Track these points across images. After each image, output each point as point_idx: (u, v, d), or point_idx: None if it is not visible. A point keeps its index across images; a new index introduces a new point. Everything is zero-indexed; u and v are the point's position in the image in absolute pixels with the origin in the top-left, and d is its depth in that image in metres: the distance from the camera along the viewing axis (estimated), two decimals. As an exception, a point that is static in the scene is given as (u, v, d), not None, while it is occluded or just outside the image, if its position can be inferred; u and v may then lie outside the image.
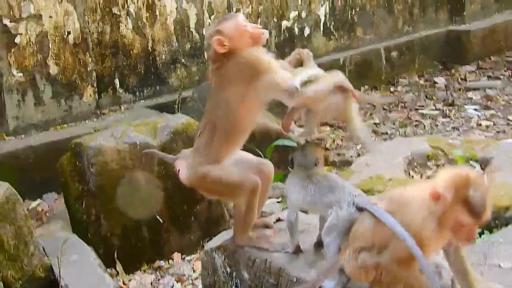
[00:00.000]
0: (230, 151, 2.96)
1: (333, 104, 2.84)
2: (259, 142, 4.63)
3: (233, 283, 3.05)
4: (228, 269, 3.06)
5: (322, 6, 7.26)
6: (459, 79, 7.90)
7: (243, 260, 3.01)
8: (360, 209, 2.75)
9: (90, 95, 5.48)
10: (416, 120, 6.62)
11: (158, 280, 3.99)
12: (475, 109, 6.77)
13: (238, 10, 6.50)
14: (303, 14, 7.09)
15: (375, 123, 6.50)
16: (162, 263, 4.10)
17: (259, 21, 6.65)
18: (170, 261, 4.11)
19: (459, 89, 7.50)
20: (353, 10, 7.60)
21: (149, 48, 6.03)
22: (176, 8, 6.13)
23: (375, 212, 2.72)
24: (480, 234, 3.81)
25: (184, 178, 3.00)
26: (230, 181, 2.95)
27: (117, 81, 5.85)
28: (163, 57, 6.13)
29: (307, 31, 7.17)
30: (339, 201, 2.76)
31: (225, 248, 3.11)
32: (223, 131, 2.89)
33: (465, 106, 6.87)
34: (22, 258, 3.22)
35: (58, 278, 3.39)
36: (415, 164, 4.85)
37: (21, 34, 5.08)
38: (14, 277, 3.33)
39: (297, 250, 2.97)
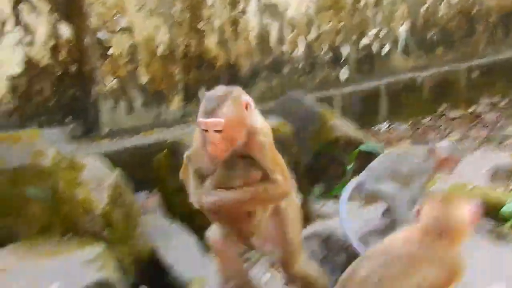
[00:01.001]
0: None
1: None
2: (342, 148, 4.71)
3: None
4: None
5: (402, 24, 7.30)
6: (543, 102, 7.77)
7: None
8: None
9: (177, 103, 5.68)
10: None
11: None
12: (559, 131, 6.65)
13: (318, 26, 6.63)
14: (383, 32, 7.15)
15: (455, 140, 6.46)
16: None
17: (337, 38, 6.75)
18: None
19: (543, 111, 7.38)
20: (434, 30, 7.60)
21: (232, 61, 6.22)
22: (258, 24, 6.31)
23: None
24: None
25: None
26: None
27: (201, 92, 6.05)
28: (245, 70, 6.30)
29: (386, 48, 7.21)
30: None
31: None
32: None
33: (549, 129, 6.75)
34: (130, 238, 3.36)
35: (163, 257, 3.57)
36: (499, 176, 4.83)
37: (114, 46, 5.33)
38: (125, 254, 3.48)
39: None
